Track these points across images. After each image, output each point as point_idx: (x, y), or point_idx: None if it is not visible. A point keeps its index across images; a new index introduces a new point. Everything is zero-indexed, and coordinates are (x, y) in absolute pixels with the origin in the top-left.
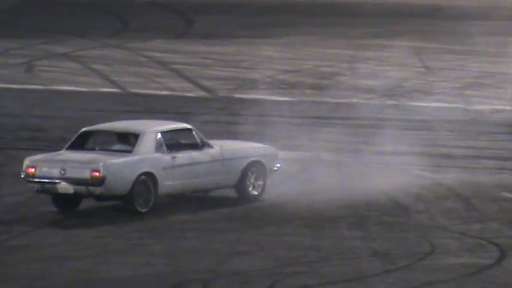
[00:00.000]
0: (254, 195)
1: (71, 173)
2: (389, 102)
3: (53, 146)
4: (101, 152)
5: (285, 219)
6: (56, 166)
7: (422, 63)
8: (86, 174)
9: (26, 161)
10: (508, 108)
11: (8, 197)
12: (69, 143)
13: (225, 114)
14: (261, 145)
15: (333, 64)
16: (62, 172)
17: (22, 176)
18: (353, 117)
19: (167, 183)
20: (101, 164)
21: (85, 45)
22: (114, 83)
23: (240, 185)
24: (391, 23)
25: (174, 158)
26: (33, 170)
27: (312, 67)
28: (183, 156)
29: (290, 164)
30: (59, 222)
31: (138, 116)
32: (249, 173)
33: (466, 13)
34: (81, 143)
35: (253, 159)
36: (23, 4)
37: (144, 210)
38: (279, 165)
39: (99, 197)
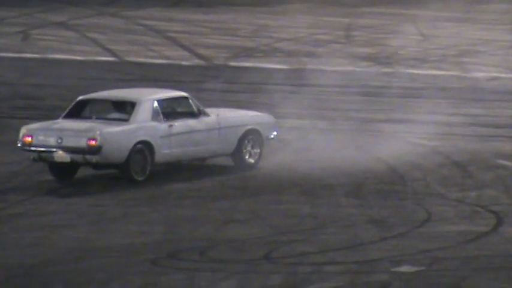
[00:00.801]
0: (251, 164)
1: (68, 142)
2: (386, 69)
3: (48, 114)
4: (98, 120)
5: (281, 187)
6: (52, 135)
7: (418, 31)
8: (82, 142)
9: (23, 130)
10: (504, 75)
11: (4, 166)
12: (65, 112)
13: (221, 82)
14: (257, 113)
15: (329, 32)
16: (59, 141)
17: (19, 145)
18: (349, 85)
19: (164, 152)
20: (98, 132)
21: (81, 13)
22: (109, 52)
23: (237, 153)
24: None
25: (170, 126)
26: (29, 138)
27: (307, 35)
28: (179, 125)
29: (286, 132)
30: (55, 191)
31: (134, 85)
32: (246, 141)
33: None
34: (77, 111)
35: (249, 127)
36: None
37: (140, 179)
38: (275, 133)
39: (95, 166)
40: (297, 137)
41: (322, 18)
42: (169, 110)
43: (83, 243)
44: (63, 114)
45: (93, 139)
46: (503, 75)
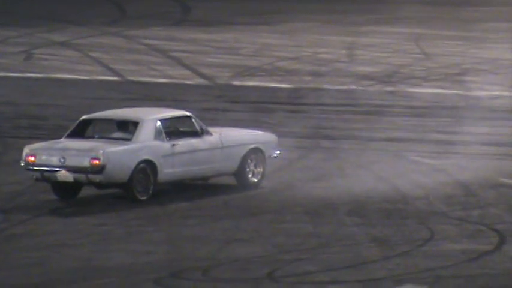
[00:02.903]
0: (254, 183)
1: (71, 161)
2: (388, 88)
3: (52, 134)
4: (101, 140)
5: (284, 206)
6: (55, 154)
7: (420, 50)
8: (85, 162)
9: (26, 149)
10: (506, 94)
11: (7, 186)
12: (68, 131)
13: (224, 101)
14: (260, 132)
15: (331, 51)
16: (62, 160)
17: (22, 164)
18: (351, 103)
19: (167, 171)
20: (101, 151)
21: (83, 33)
22: (112, 71)
23: (240, 172)
24: (389, 9)
25: (173, 145)
26: (32, 158)
27: (310, 54)
28: (182, 144)
29: (289, 151)
30: (58, 210)
31: (137, 104)
32: (249, 160)
33: None
34: (80, 131)
35: (252, 146)
36: None
37: (143, 198)
38: (278, 152)
39: (98, 185)
40: (300, 156)
41: (325, 37)
42: (172, 129)
43: (86, 262)
44: (66, 134)
45: (96, 158)
46: (505, 93)
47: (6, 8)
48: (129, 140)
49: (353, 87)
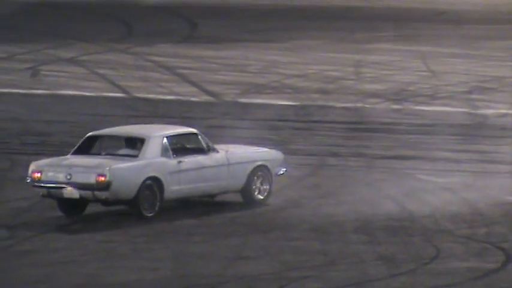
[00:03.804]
0: (260, 200)
1: (77, 178)
2: (395, 106)
3: (58, 150)
4: (107, 156)
5: (290, 224)
6: (61, 171)
7: (427, 67)
8: (91, 179)
9: (32, 166)
10: None
11: (13, 202)
12: (74, 148)
13: (230, 118)
14: (266, 149)
15: (339, 68)
16: (68, 177)
17: (28, 181)
18: (358, 121)
19: (173, 188)
20: (107, 168)
21: (90, 49)
22: (119, 88)
23: (246, 189)
24: (395, 27)
25: (180, 162)
26: (39, 174)
27: (317, 71)
28: (189, 161)
29: (296, 168)
30: (64, 227)
31: (144, 121)
32: (255, 178)
33: (471, 17)
34: (86, 147)
35: (259, 163)
36: (27, 9)
37: (150, 215)
38: (284, 169)
39: (105, 202)
40: (306, 174)
41: (332, 55)
42: (178, 146)
43: (92, 279)
44: (73, 150)
45: (103, 175)
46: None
47: (13, 24)
48: (135, 156)
49: (360, 105)
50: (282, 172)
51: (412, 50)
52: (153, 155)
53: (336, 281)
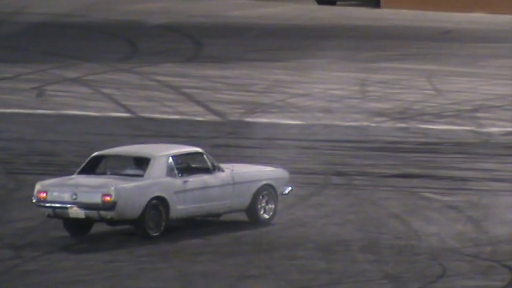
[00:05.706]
0: (265, 219)
1: (82, 198)
2: (400, 125)
3: (63, 170)
4: (112, 176)
5: (296, 243)
6: (67, 191)
7: (432, 86)
8: (97, 198)
9: (37, 186)
10: None
11: (19, 222)
12: (80, 168)
13: (235, 138)
14: (271, 168)
15: (344, 87)
16: (73, 197)
17: (33, 201)
18: (364, 140)
19: (178, 207)
20: (112, 188)
21: (95, 69)
22: (124, 107)
23: (251, 208)
24: (400, 46)
25: (185, 182)
26: (44, 194)
27: (322, 90)
28: (194, 180)
29: (301, 187)
30: (70, 247)
31: (149, 140)
32: (260, 197)
33: (476, 36)
34: (92, 167)
35: (264, 182)
36: (32, 29)
37: (155, 234)
38: (290, 188)
39: (110, 222)
40: (311, 193)
41: (337, 74)
42: (184, 166)
43: None
44: (78, 170)
45: (108, 195)
46: None
47: (18, 44)
48: (141, 176)
49: (365, 123)
50: (287, 191)
51: (417, 69)
52: (159, 174)
53: None
